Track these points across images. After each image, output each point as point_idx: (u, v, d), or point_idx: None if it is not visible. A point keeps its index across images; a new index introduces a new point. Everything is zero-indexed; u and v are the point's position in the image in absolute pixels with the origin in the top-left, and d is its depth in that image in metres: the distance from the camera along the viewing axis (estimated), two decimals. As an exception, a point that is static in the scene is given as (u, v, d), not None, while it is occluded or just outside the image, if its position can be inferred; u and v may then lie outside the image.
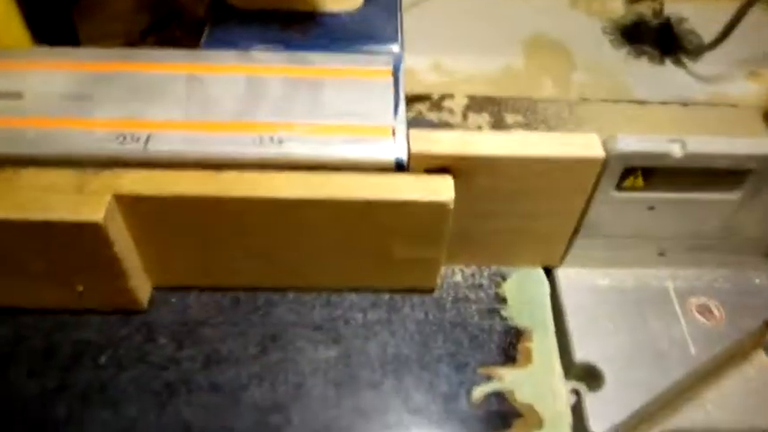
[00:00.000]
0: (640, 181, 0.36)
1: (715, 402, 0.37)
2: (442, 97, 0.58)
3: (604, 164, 0.35)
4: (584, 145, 0.35)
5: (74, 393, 0.33)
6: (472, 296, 0.39)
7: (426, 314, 0.38)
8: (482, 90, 0.59)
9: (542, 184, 0.36)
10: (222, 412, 0.33)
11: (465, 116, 0.56)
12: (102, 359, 0.35)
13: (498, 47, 0.64)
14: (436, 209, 0.34)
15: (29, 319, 0.36)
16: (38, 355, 0.35)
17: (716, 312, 0.39)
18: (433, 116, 0.56)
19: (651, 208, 0.37)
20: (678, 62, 0.63)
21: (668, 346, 0.37)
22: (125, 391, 0.34)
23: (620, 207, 0.37)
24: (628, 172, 0.36)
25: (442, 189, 0.34)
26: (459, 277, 0.40)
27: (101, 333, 0.36)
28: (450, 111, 0.57)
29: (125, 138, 0.34)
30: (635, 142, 0.35)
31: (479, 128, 0.54)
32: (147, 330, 0.36)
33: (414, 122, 0.51)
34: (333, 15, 0.44)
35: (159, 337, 0.36)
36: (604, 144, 0.35)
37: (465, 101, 0.58)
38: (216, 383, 0.34)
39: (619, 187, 0.36)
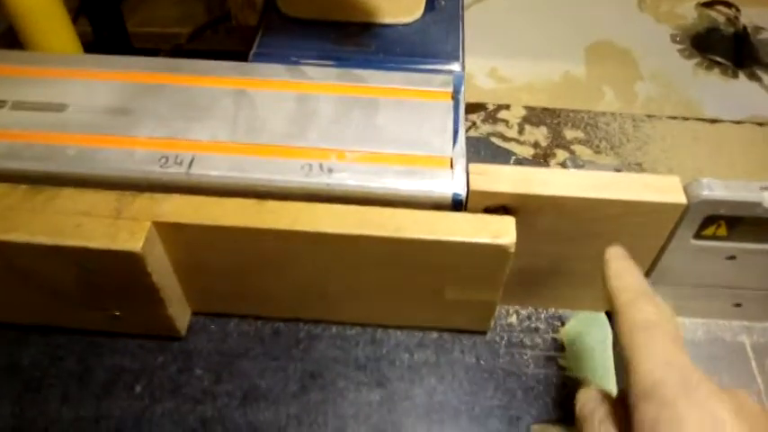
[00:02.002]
0: (723, 230, 0.33)
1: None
2: (498, 108, 0.54)
3: (685, 211, 0.32)
4: (663, 189, 0.32)
5: (108, 425, 0.32)
6: (527, 341, 0.36)
7: (477, 359, 0.35)
8: (540, 99, 0.56)
9: (613, 228, 0.32)
10: (258, 457, 0.32)
11: (521, 129, 0.53)
12: (138, 388, 0.34)
13: (558, 52, 0.60)
14: (496, 252, 0.31)
15: (63, 339, 0.35)
16: (73, 378, 0.34)
17: (796, 372, 0.36)
18: (487, 128, 0.53)
19: (732, 258, 0.34)
20: (753, 76, 0.58)
21: (742, 410, 0.34)
22: (159, 424, 0.33)
23: (696, 255, 0.34)
24: (710, 220, 0.32)
25: (502, 231, 0.31)
26: (513, 319, 0.37)
27: (136, 359, 0.35)
28: (506, 123, 0.53)
29: (167, 160, 0.32)
30: (721, 189, 0.31)
31: (536, 144, 0.51)
32: (184, 359, 0.35)
33: (473, 144, 0.49)
34: (390, 27, 0.41)
35: (196, 368, 0.34)
36: (686, 189, 0.32)
37: (522, 112, 0.54)
38: (253, 423, 0.33)
39: (698, 235, 0.33)
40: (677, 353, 0.25)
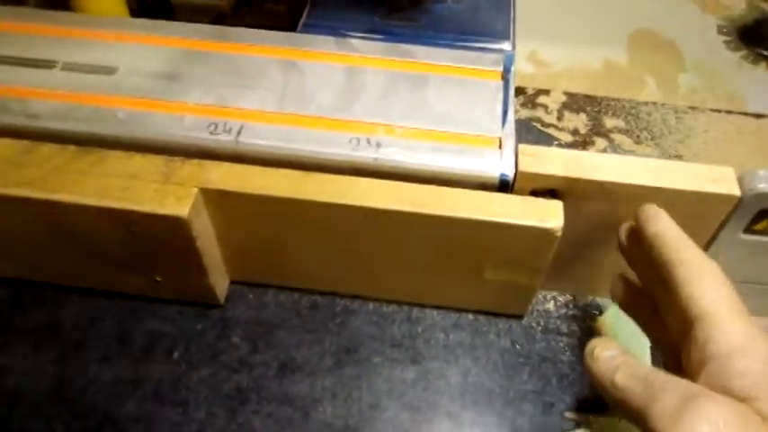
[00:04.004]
0: (775, 225, 0.32)
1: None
2: (538, 92, 0.54)
3: (738, 203, 0.31)
4: (716, 179, 0.31)
5: (146, 388, 0.33)
6: (564, 328, 0.36)
7: (513, 343, 0.35)
8: (580, 85, 0.55)
9: (661, 217, 0.32)
10: (292, 427, 0.32)
11: (560, 116, 0.52)
12: (175, 354, 0.34)
13: (601, 39, 0.59)
14: (542, 236, 0.31)
15: (104, 301, 0.36)
16: (113, 341, 0.34)
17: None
18: (525, 112, 0.52)
19: (781, 254, 0.33)
20: (802, 72, 0.57)
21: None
22: (196, 390, 0.33)
23: (745, 250, 0.33)
24: (762, 214, 0.32)
25: (550, 215, 0.31)
26: (551, 305, 0.37)
27: (175, 325, 0.35)
28: (546, 108, 0.53)
29: (216, 127, 0.32)
30: (777, 182, 0.30)
31: (575, 131, 0.51)
32: (223, 327, 0.35)
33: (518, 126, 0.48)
34: (440, 3, 0.40)
35: (233, 336, 0.35)
36: (740, 180, 0.31)
37: (562, 98, 0.54)
38: (288, 394, 0.33)
39: (748, 230, 0.32)
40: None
